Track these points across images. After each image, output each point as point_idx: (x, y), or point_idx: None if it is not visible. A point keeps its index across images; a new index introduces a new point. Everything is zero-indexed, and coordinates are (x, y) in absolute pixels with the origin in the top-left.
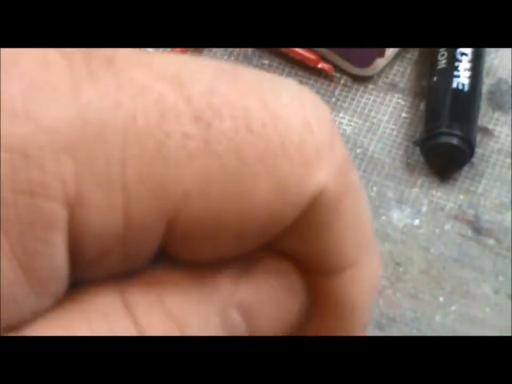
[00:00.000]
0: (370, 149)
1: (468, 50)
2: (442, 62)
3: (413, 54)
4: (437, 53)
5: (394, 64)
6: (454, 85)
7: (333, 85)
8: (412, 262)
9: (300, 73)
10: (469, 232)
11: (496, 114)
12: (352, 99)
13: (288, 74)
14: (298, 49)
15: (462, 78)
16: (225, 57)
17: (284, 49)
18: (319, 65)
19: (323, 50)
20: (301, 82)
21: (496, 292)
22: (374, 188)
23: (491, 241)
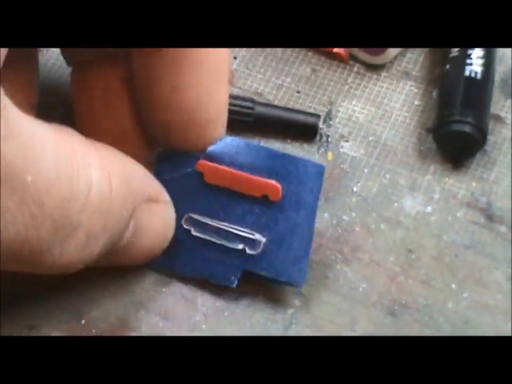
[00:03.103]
0: (383, 136)
1: None
2: (455, 50)
3: None
4: None
5: (407, 52)
6: (467, 73)
7: (345, 72)
8: (424, 249)
9: (313, 61)
10: (481, 220)
11: (509, 102)
12: (365, 87)
13: (302, 62)
14: None
15: (475, 66)
16: None
17: None
18: (335, 50)
19: None
20: (314, 70)
21: (508, 278)
22: (387, 175)
23: (503, 229)
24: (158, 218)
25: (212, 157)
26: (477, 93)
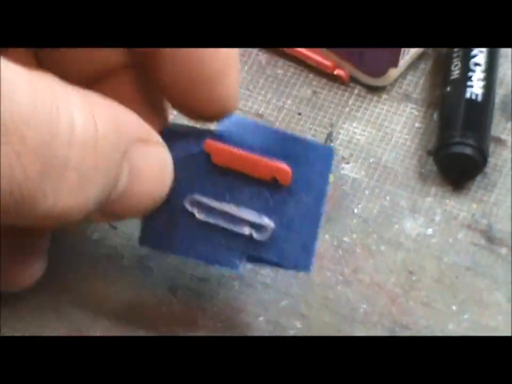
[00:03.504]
0: (384, 158)
1: (482, 61)
2: (455, 73)
3: (426, 64)
4: (451, 63)
5: (408, 74)
6: (468, 95)
7: (346, 94)
8: (425, 270)
9: (314, 83)
10: (482, 241)
11: (509, 125)
12: (366, 109)
13: (302, 83)
14: (314, 56)
15: (476, 88)
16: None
17: (299, 56)
18: (335, 72)
19: (337, 60)
20: (314, 92)
21: (509, 300)
22: (387, 197)
23: (504, 250)
24: (153, 160)
25: (219, 137)
26: (478, 115)
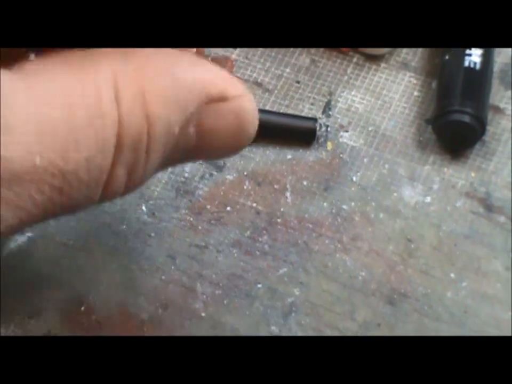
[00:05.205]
0: (382, 126)
1: None
2: None
3: None
4: None
5: None
6: (466, 63)
7: (345, 63)
8: (424, 238)
9: (313, 51)
10: (480, 209)
11: (508, 93)
12: (364, 77)
13: (301, 52)
14: None
15: (474, 56)
16: None
17: None
18: None
19: None
20: (313, 60)
21: (507, 268)
22: (386, 165)
23: (502, 218)
24: (228, 118)
25: None
26: (476, 83)
